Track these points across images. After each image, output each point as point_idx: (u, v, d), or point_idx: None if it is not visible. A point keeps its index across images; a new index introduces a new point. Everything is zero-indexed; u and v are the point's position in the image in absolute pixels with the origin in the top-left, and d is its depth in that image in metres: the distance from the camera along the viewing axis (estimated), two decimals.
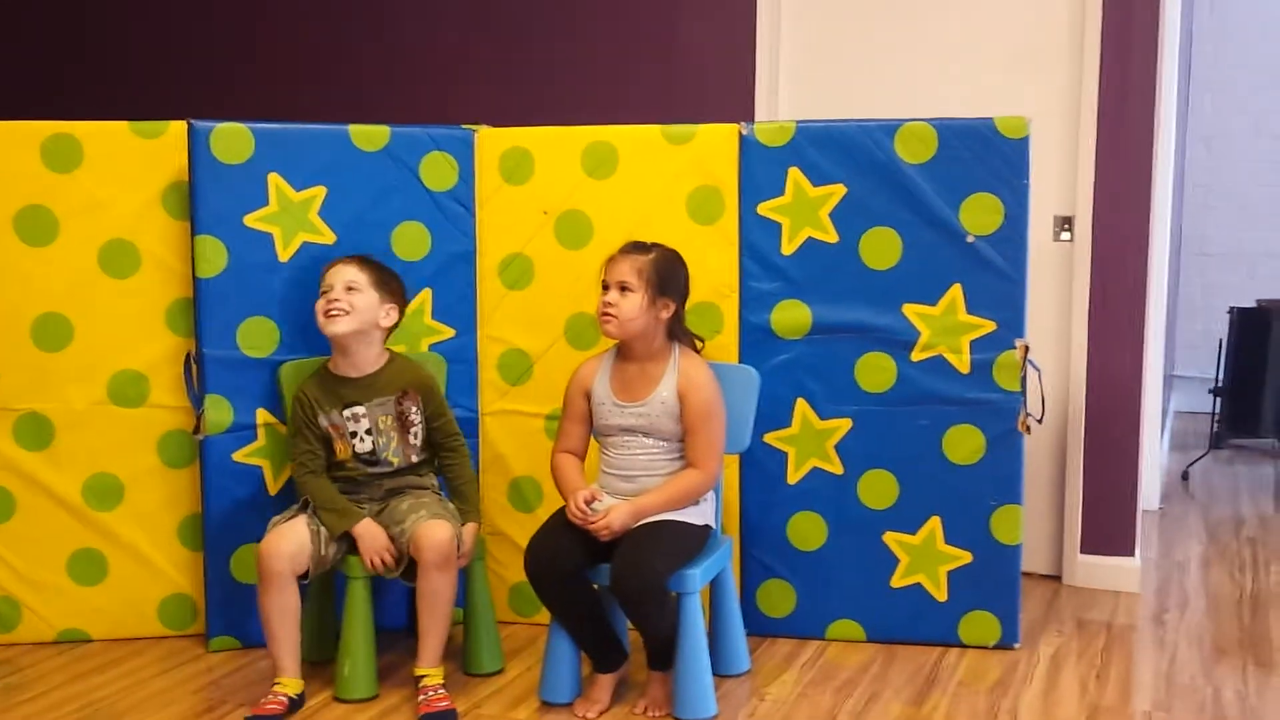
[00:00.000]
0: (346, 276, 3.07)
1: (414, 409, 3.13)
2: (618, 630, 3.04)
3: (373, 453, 3.10)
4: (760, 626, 3.44)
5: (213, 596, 3.37)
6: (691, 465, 2.98)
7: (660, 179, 3.38)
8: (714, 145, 3.37)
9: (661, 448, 2.99)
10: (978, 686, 3.13)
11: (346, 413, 3.10)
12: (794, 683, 3.16)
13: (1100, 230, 3.83)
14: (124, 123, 3.33)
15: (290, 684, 2.96)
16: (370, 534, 3.01)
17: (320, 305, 3.06)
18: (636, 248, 3.00)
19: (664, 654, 2.93)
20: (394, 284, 3.14)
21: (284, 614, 2.95)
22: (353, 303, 3.05)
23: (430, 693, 2.94)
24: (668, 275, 2.97)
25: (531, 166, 3.44)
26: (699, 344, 3.10)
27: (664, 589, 2.84)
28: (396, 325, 3.17)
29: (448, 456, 3.20)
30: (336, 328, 3.04)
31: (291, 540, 2.96)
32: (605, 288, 2.97)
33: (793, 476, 3.42)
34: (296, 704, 2.96)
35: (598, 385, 3.04)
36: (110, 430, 3.36)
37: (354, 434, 3.10)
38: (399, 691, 3.07)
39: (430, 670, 2.98)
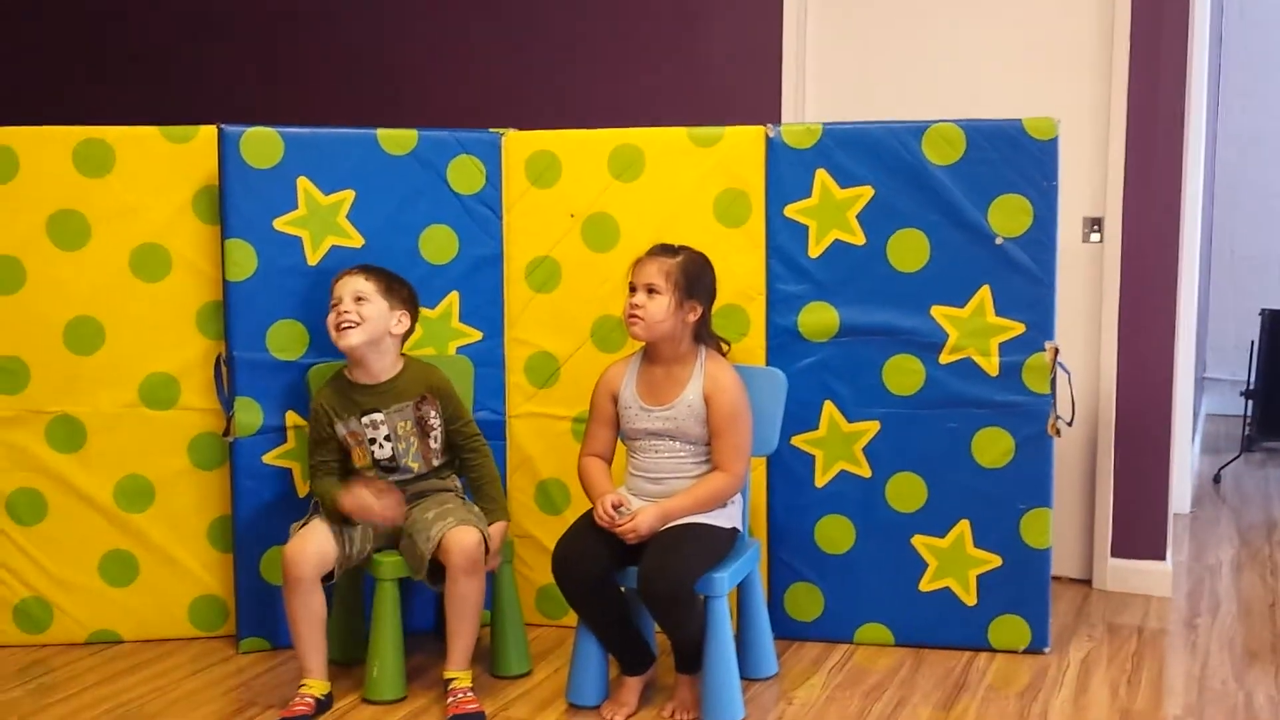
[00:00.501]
0: (354, 287, 3.07)
1: (433, 413, 3.14)
2: (645, 633, 3.04)
3: (392, 459, 3.11)
4: (788, 630, 3.44)
5: (243, 598, 3.39)
6: (718, 468, 2.97)
7: (687, 181, 3.38)
8: (741, 147, 3.36)
9: (688, 450, 2.99)
10: (1007, 691, 3.11)
11: (365, 420, 3.10)
12: (822, 686, 3.15)
13: (1130, 231, 3.80)
14: (155, 128, 3.36)
15: (317, 685, 2.98)
16: (355, 505, 2.98)
17: (331, 319, 3.07)
18: (664, 250, 3.00)
19: (692, 657, 2.93)
20: (403, 291, 3.14)
21: (309, 617, 2.96)
22: (362, 313, 3.05)
23: (459, 695, 2.95)
24: (695, 278, 2.97)
25: (558, 169, 3.45)
26: (725, 347, 3.10)
27: (692, 592, 2.84)
28: (410, 331, 3.17)
29: (469, 457, 3.20)
30: (348, 340, 3.05)
31: (314, 543, 2.97)
32: (632, 290, 2.97)
33: (820, 479, 3.41)
34: (324, 705, 2.97)
35: (624, 389, 3.04)
36: (141, 432, 3.39)
37: (373, 440, 3.11)
38: (427, 693, 3.08)
39: (459, 673, 2.99)
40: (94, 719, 2.96)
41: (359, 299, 3.05)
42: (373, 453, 3.10)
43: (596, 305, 3.43)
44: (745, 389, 3.01)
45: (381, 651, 3.04)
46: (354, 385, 3.12)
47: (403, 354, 3.18)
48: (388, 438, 3.10)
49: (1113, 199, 3.81)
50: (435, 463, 3.16)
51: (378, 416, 3.10)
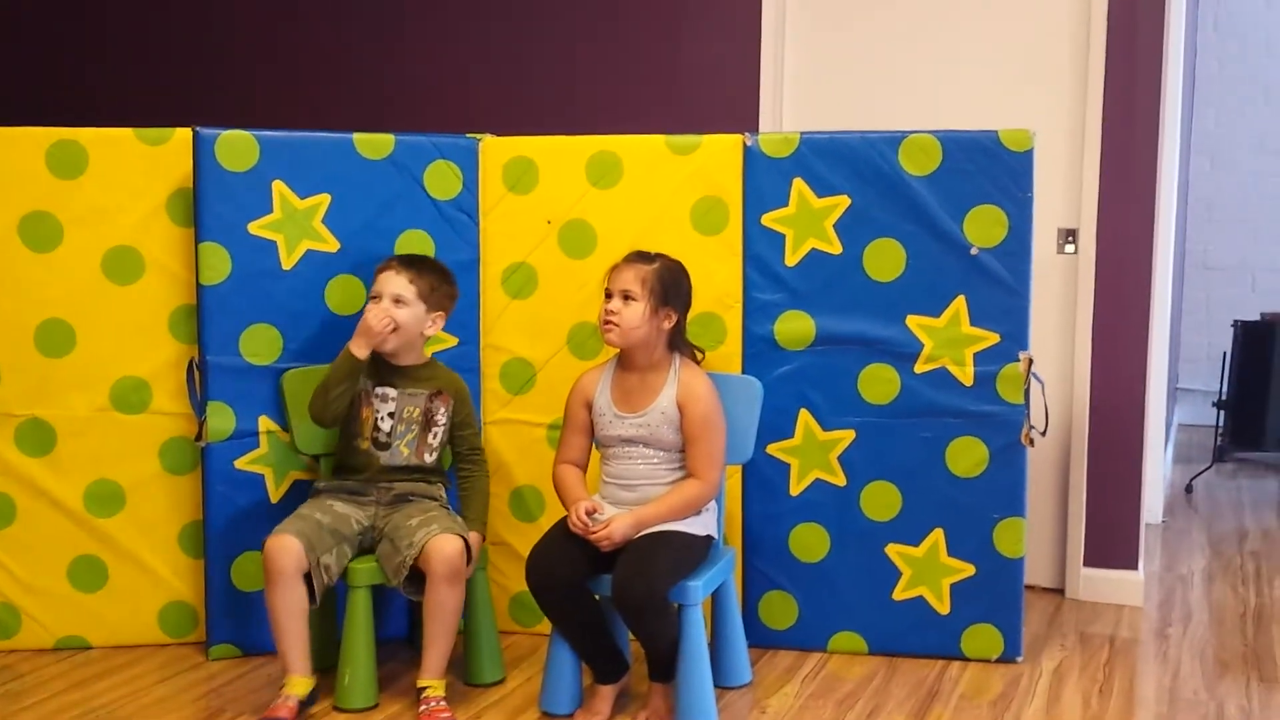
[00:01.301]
0: (396, 288, 3.08)
1: (442, 410, 3.15)
2: (619, 641, 3.03)
3: (389, 434, 3.11)
4: (762, 638, 3.43)
5: (213, 604, 3.36)
6: (693, 475, 2.97)
7: (664, 189, 3.38)
8: (718, 156, 3.37)
9: (661, 457, 2.99)
10: (980, 700, 3.12)
11: (378, 389, 3.13)
12: (795, 695, 3.15)
13: (1104, 243, 3.82)
14: (129, 129, 3.33)
15: (300, 683, 2.94)
16: (365, 320, 3.05)
17: (372, 314, 3.07)
18: (640, 257, 3.00)
19: (665, 665, 2.92)
20: (443, 290, 3.17)
21: (292, 611, 2.94)
22: (397, 317, 3.07)
23: (431, 703, 2.94)
24: (671, 286, 2.97)
25: (536, 176, 3.44)
26: (699, 355, 3.10)
27: (665, 600, 2.83)
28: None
29: (466, 468, 3.22)
30: (384, 346, 3.09)
31: (295, 536, 2.95)
32: (608, 296, 2.97)
33: (795, 488, 3.41)
34: (306, 704, 2.94)
35: (598, 396, 3.03)
36: (112, 437, 3.36)
37: (377, 412, 3.13)
38: (399, 701, 3.06)
39: (433, 681, 2.98)
40: None
41: (398, 301, 3.07)
42: (376, 420, 3.11)
43: (573, 312, 3.43)
44: (719, 397, 3.01)
45: (353, 659, 3.02)
46: (378, 356, 3.14)
47: (429, 354, 3.23)
48: (391, 414, 3.11)
49: (1087, 210, 3.83)
50: (427, 459, 3.15)
51: (390, 391, 3.13)
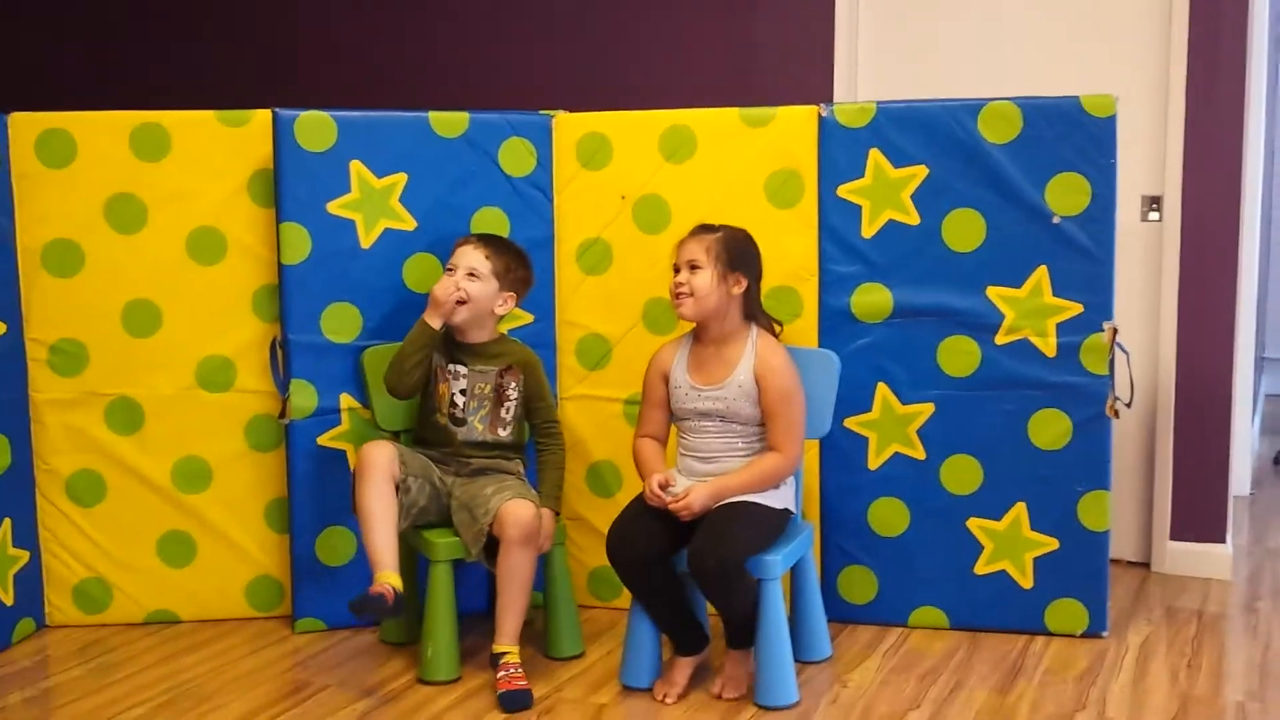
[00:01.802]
0: (472, 262, 3.13)
1: (513, 384, 3.17)
2: (699, 614, 3.03)
3: (463, 410, 3.14)
4: (841, 613, 3.42)
5: (299, 578, 3.42)
6: (773, 449, 2.96)
7: (739, 162, 3.36)
8: (793, 127, 3.33)
9: (739, 431, 2.98)
10: (1065, 675, 3.08)
11: (450, 366, 3.18)
12: (876, 669, 3.13)
13: (1189, 209, 3.74)
14: (210, 112, 3.38)
15: (393, 577, 2.94)
16: (434, 290, 3.11)
17: (445, 285, 3.12)
18: (703, 229, 3.01)
19: (742, 633, 2.93)
20: (518, 273, 3.19)
21: (383, 507, 2.98)
22: (469, 291, 3.10)
23: (509, 670, 2.95)
24: (736, 251, 2.97)
25: (609, 151, 3.43)
26: (778, 328, 3.08)
27: (740, 569, 2.83)
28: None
29: (542, 442, 3.24)
30: (454, 318, 3.13)
31: (391, 445, 3.05)
32: (676, 270, 2.97)
33: (874, 462, 3.39)
34: (399, 599, 2.92)
35: (675, 369, 3.03)
36: (198, 415, 3.42)
37: (451, 389, 3.17)
38: (481, 674, 3.09)
39: (509, 648, 2.99)
40: (152, 698, 3.00)
41: (472, 274, 3.11)
42: (451, 396, 3.16)
43: (647, 287, 3.42)
44: (797, 369, 3.00)
45: (436, 633, 3.06)
46: (452, 335, 3.19)
47: (501, 332, 3.25)
48: (462, 392, 3.14)
49: (1172, 177, 3.75)
50: (501, 433, 3.18)
51: (461, 369, 3.17)
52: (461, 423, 3.16)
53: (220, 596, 3.49)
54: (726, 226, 3.02)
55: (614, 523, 2.95)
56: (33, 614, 3.43)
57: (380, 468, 2.99)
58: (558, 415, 3.30)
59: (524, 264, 3.22)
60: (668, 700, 2.94)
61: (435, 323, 3.11)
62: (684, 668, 2.99)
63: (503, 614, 3.01)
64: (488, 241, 3.18)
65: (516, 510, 2.96)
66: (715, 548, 2.80)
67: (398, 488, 3.02)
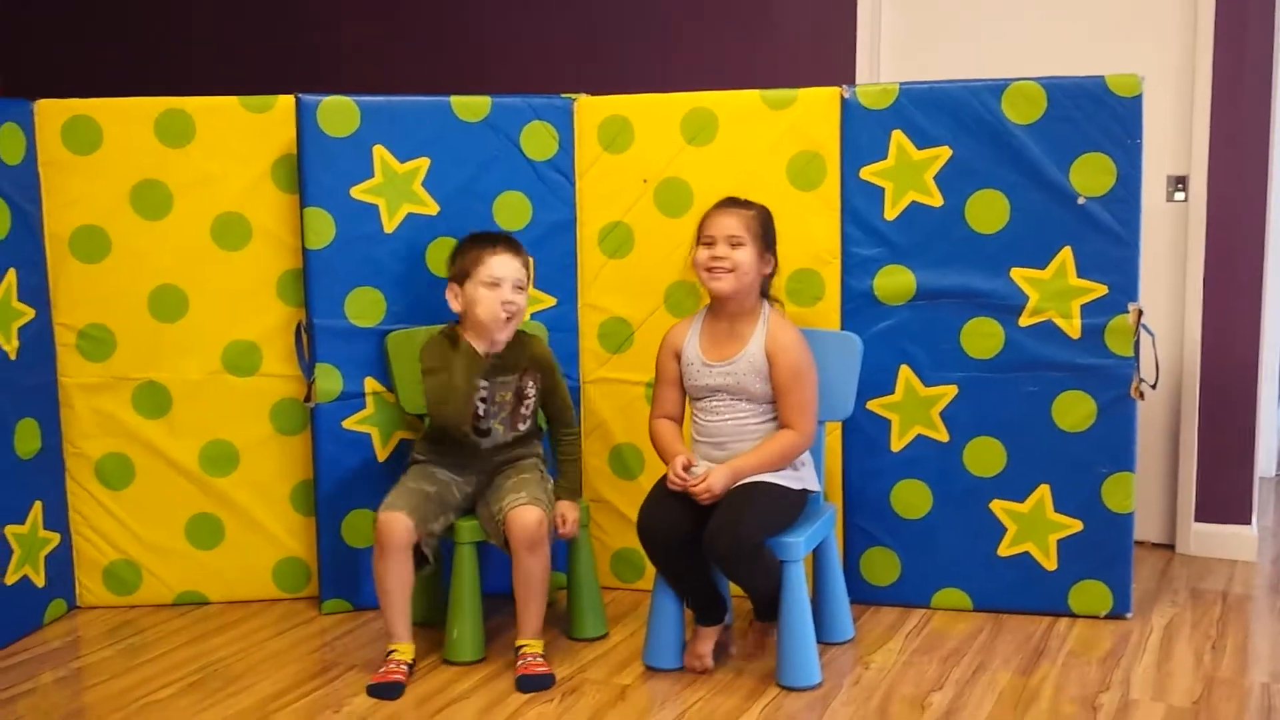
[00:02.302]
0: (518, 275, 3.06)
1: (531, 384, 3.16)
2: (722, 587, 3.06)
3: (485, 420, 3.13)
4: (864, 594, 3.43)
5: (325, 560, 3.45)
6: (786, 426, 2.96)
7: (761, 144, 3.36)
8: (815, 109, 3.33)
9: (750, 409, 2.98)
10: (1089, 656, 3.08)
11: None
12: (899, 651, 3.14)
13: (1215, 189, 3.71)
14: (233, 98, 3.40)
15: (407, 649, 3.00)
16: (482, 317, 3.04)
17: (496, 303, 3.02)
18: (738, 203, 3.01)
19: (764, 607, 2.98)
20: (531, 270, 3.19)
21: (399, 583, 2.98)
22: (519, 302, 3.06)
23: (529, 658, 2.98)
24: (770, 231, 3.01)
25: (631, 134, 3.44)
26: (779, 306, 3.09)
27: (756, 550, 2.84)
28: None
29: (560, 431, 3.24)
30: (503, 335, 3.06)
31: (406, 513, 2.97)
32: (711, 242, 2.96)
33: (896, 444, 3.38)
34: (410, 669, 3.01)
35: (687, 346, 3.05)
36: (225, 398, 3.45)
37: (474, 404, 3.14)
38: (506, 655, 3.11)
39: (530, 641, 3.02)
40: (182, 678, 3.04)
41: (519, 287, 3.07)
42: (476, 411, 3.10)
43: (670, 270, 3.42)
44: (808, 345, 3.00)
45: (461, 614, 3.08)
46: (468, 344, 3.09)
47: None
48: (483, 399, 3.12)
49: (1198, 157, 3.72)
50: (521, 428, 3.18)
51: (482, 383, 3.11)
52: (486, 433, 3.13)
53: (248, 578, 3.53)
54: (755, 203, 3.03)
55: (642, 507, 2.96)
56: (64, 595, 3.47)
57: (396, 547, 2.96)
58: (581, 400, 3.29)
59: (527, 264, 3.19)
60: (704, 668, 2.96)
61: (483, 349, 3.07)
62: (707, 638, 3.01)
63: (523, 614, 3.03)
64: (515, 247, 3.11)
65: (522, 518, 2.96)
66: (729, 529, 2.81)
67: (420, 546, 3.00)
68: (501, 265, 3.05)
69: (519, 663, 2.98)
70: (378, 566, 2.99)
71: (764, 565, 2.88)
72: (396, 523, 2.96)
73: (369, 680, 2.94)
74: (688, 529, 2.90)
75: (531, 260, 3.18)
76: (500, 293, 3.03)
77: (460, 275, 3.07)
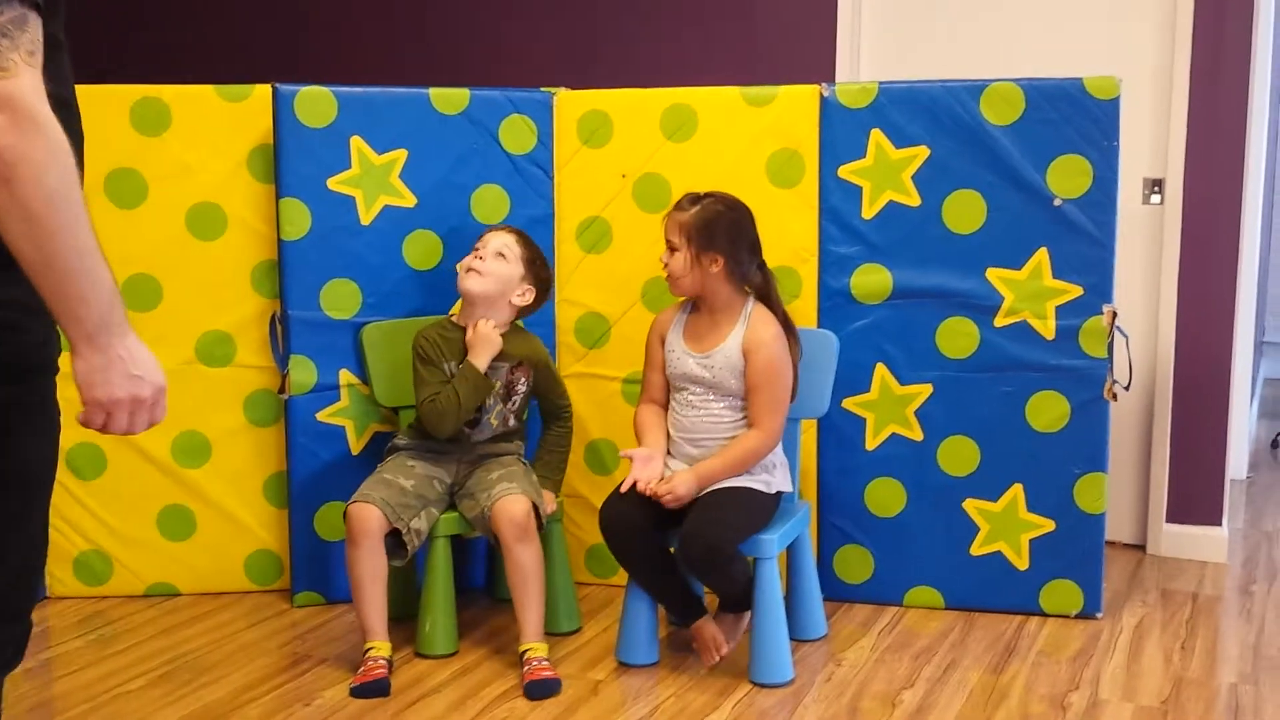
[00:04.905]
0: (502, 242, 3.10)
1: (522, 380, 3.15)
2: (694, 586, 3.06)
3: (479, 409, 3.12)
4: (837, 592, 3.44)
5: (297, 553, 3.44)
6: (752, 425, 2.96)
7: (740, 142, 3.36)
8: (794, 107, 3.33)
9: (725, 405, 2.98)
10: (1059, 656, 3.10)
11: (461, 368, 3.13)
12: (871, 648, 3.15)
13: (1191, 193, 3.73)
14: (210, 86, 3.37)
15: (383, 646, 2.97)
16: (478, 342, 3.07)
17: (464, 261, 3.10)
18: (683, 204, 2.97)
19: (733, 603, 3.00)
20: (542, 272, 3.16)
21: (372, 576, 2.95)
22: (492, 268, 3.07)
23: (535, 663, 2.92)
24: (711, 230, 2.92)
25: (610, 129, 3.43)
26: (748, 291, 3.03)
27: (728, 556, 2.85)
28: (529, 309, 3.17)
29: (552, 425, 3.25)
30: (468, 284, 3.07)
31: (377, 505, 2.95)
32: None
33: (871, 442, 3.39)
34: (390, 665, 2.97)
35: (672, 333, 3.06)
36: (198, 389, 3.43)
37: None
38: (479, 649, 3.11)
39: (533, 644, 2.96)
40: (153, 670, 3.02)
41: (500, 254, 3.08)
42: None
43: (648, 266, 3.41)
44: (787, 345, 2.99)
45: (434, 607, 3.08)
46: (461, 331, 3.12)
47: (514, 324, 3.19)
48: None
49: (1174, 160, 3.74)
50: (510, 423, 3.18)
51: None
52: (476, 424, 3.13)
53: (220, 570, 3.51)
54: (708, 198, 2.96)
55: (605, 501, 2.96)
56: None
57: (367, 539, 2.92)
58: (569, 405, 3.28)
59: (547, 265, 3.20)
60: (722, 654, 2.97)
61: (482, 362, 3.06)
62: (704, 629, 2.99)
63: (522, 613, 2.97)
64: (519, 232, 3.16)
65: (509, 508, 2.94)
66: (703, 535, 2.81)
67: (398, 535, 2.97)
68: (491, 237, 3.10)
69: (524, 668, 2.92)
70: (349, 560, 2.96)
71: (737, 570, 2.89)
72: (366, 512, 2.94)
73: (352, 682, 2.89)
74: (649, 524, 2.90)
75: (540, 257, 3.16)
76: (476, 255, 3.08)
77: None
